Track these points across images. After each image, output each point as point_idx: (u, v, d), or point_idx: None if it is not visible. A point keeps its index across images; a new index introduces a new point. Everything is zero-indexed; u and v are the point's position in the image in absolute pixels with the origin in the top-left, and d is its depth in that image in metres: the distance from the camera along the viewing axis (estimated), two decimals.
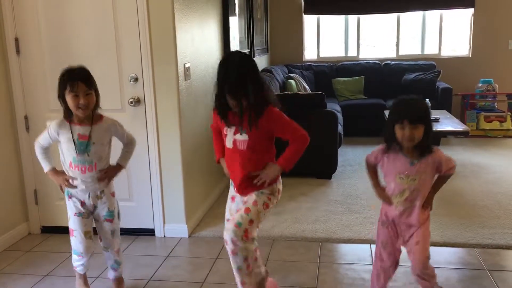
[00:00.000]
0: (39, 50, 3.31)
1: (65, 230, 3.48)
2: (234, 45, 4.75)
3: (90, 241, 2.48)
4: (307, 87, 6.54)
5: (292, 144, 2.25)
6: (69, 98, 2.28)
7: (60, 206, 3.52)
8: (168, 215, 3.42)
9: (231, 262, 2.24)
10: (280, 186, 2.37)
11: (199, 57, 3.72)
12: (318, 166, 4.64)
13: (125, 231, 3.35)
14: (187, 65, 3.40)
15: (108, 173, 2.48)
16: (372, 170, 2.33)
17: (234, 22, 4.84)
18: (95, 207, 2.49)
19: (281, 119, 2.23)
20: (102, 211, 2.50)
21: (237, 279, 2.28)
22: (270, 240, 3.30)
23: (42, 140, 2.42)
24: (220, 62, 2.22)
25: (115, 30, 3.20)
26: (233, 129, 2.22)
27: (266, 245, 3.21)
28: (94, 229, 2.57)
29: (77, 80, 2.26)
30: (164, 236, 3.44)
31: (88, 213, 2.48)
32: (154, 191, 3.39)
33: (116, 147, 2.58)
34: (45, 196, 3.54)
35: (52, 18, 3.25)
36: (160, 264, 3.04)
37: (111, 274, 2.68)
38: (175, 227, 3.42)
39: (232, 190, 2.42)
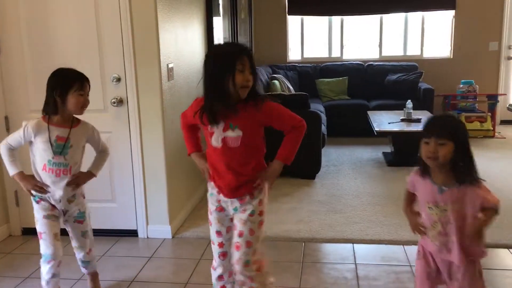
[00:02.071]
0: (19, 50, 3.27)
1: None
2: None
3: (58, 243, 2.39)
4: (291, 87, 6.57)
5: (290, 133, 2.07)
6: (73, 97, 2.29)
7: None
8: (151, 216, 3.41)
9: None
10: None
11: (183, 58, 3.71)
12: (302, 167, 4.65)
13: (108, 232, 3.33)
14: (170, 66, 3.39)
15: (79, 179, 2.42)
16: (408, 195, 2.04)
17: (218, 23, 4.84)
18: (66, 210, 2.45)
19: (279, 109, 2.06)
20: (73, 213, 2.47)
21: None
22: None
23: (12, 141, 2.35)
24: (218, 47, 2.10)
25: (97, 30, 3.17)
26: (221, 126, 1.99)
27: None
28: (63, 231, 2.51)
29: (85, 81, 2.34)
30: (147, 237, 3.42)
31: (56, 216, 2.42)
32: (137, 192, 3.37)
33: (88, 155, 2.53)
34: (26, 198, 3.47)
35: (33, 18, 3.22)
36: (143, 265, 3.02)
37: (83, 270, 2.67)
38: (158, 228, 3.41)
39: (213, 199, 2.15)
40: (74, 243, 2.57)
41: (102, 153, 2.55)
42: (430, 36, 7.22)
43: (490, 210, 1.84)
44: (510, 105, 3.55)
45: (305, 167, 4.69)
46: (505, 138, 6.31)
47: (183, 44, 3.74)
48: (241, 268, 2.08)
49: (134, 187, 3.36)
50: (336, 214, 3.73)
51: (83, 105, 2.33)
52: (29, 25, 3.23)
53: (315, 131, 4.63)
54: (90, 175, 2.50)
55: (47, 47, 3.24)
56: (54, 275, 2.39)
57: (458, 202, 1.82)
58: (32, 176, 2.37)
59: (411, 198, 2.02)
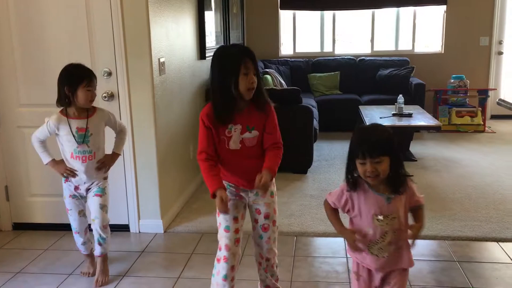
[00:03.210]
0: (9, 44, 3.24)
1: (37, 227, 3.47)
2: (210, 41, 4.74)
3: (83, 219, 2.75)
4: (283, 82, 6.56)
5: (274, 150, 2.16)
6: (83, 92, 2.50)
7: (31, 203, 3.47)
8: (143, 211, 3.41)
9: (269, 276, 2.39)
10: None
11: (174, 52, 3.70)
12: (294, 161, 4.67)
13: None
14: (161, 60, 3.37)
15: (105, 162, 2.70)
16: (333, 212, 1.95)
17: (210, 17, 4.82)
18: (88, 189, 2.69)
19: (275, 120, 2.19)
20: (94, 188, 2.69)
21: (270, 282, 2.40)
22: (246, 235, 3.30)
23: (39, 134, 2.60)
24: (221, 51, 2.08)
25: (88, 24, 3.15)
26: (238, 129, 2.10)
27: (242, 239, 3.21)
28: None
29: (93, 76, 2.56)
30: (139, 232, 3.42)
31: (80, 196, 2.71)
32: (129, 187, 3.36)
33: (107, 138, 2.75)
34: (17, 193, 3.48)
35: (23, 11, 3.19)
36: (135, 259, 3.02)
37: (97, 251, 2.74)
38: (150, 223, 3.41)
39: (232, 190, 2.21)
40: (92, 215, 2.71)
41: (120, 133, 2.78)
42: (421, 31, 7.24)
43: (421, 209, 1.89)
44: (500, 99, 3.58)
45: (297, 162, 4.70)
46: (495, 132, 6.36)
47: (175, 39, 3.72)
48: (272, 245, 2.28)
49: (126, 182, 3.35)
50: None
51: (91, 99, 2.56)
52: (19, 19, 3.20)
53: (307, 126, 4.64)
54: (114, 155, 2.77)
55: (37, 42, 3.21)
56: (84, 242, 2.78)
57: (402, 206, 1.82)
58: (62, 161, 2.64)
59: (336, 213, 1.94)
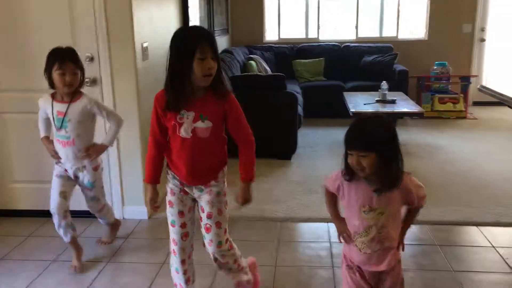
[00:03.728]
0: None
1: (20, 214, 3.44)
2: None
3: (63, 200, 2.63)
4: (267, 68, 6.55)
5: (245, 155, 2.08)
6: (56, 76, 2.44)
7: (14, 189, 3.43)
8: (127, 197, 3.39)
9: (223, 272, 2.27)
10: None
11: (158, 37, 3.66)
12: (278, 147, 4.69)
13: (84, 214, 3.29)
14: (145, 45, 3.34)
15: (90, 152, 2.63)
16: (331, 198, 1.93)
17: (194, 2, 4.77)
18: (76, 176, 2.68)
19: (240, 111, 2.04)
20: (83, 180, 2.69)
21: (233, 279, 2.30)
22: (230, 221, 3.32)
23: (40, 112, 2.64)
24: (178, 33, 1.97)
25: (69, 8, 3.09)
26: (191, 116, 1.95)
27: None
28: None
29: (66, 59, 2.44)
30: (123, 218, 3.41)
31: (68, 177, 2.68)
32: (113, 173, 3.34)
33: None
34: None
35: None
36: (119, 245, 3.02)
37: (101, 221, 2.99)
38: (134, 209, 3.39)
39: (176, 183, 2.11)
40: (86, 204, 2.81)
41: (112, 123, 2.70)
42: (405, 17, 7.26)
43: (415, 211, 1.86)
44: (481, 86, 3.62)
45: (281, 148, 4.71)
46: (477, 119, 6.45)
47: (158, 23, 3.68)
48: (214, 249, 2.13)
49: (109, 168, 3.33)
50: (312, 195, 3.77)
51: (67, 84, 2.46)
52: None
53: (291, 112, 4.65)
54: (102, 146, 2.70)
55: (17, 26, 3.14)
56: (60, 226, 2.65)
57: (393, 203, 1.76)
58: (53, 142, 2.65)
59: (334, 199, 1.92)
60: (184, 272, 2.19)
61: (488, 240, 3.00)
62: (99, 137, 2.77)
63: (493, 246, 2.92)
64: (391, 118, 5.20)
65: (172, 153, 2.06)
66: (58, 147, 2.61)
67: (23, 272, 2.71)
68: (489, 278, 2.60)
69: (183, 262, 2.18)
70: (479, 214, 3.34)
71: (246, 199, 2.17)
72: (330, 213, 1.95)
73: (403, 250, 1.88)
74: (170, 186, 2.13)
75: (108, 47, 3.12)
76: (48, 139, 2.68)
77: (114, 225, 3.04)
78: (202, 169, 2.06)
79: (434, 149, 5.01)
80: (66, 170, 2.67)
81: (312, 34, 7.50)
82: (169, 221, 2.17)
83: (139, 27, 3.22)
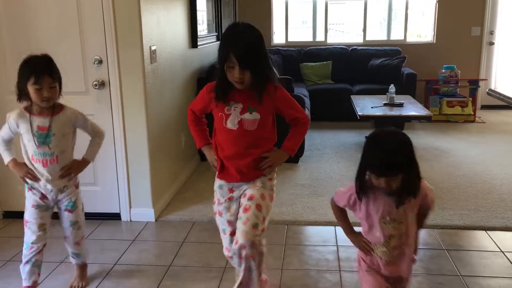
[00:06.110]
0: None
1: None
2: (202, 29, 4.72)
3: (42, 234, 2.36)
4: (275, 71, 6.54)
5: (296, 127, 2.13)
6: (32, 90, 2.16)
7: (22, 191, 3.43)
8: (134, 199, 3.40)
9: (242, 268, 2.01)
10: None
11: (166, 40, 3.68)
12: None
13: (91, 216, 3.32)
14: (153, 48, 3.35)
15: (71, 169, 2.36)
16: (340, 213, 1.91)
17: (202, 5, 4.79)
18: (57, 200, 2.40)
19: (289, 98, 2.09)
20: (64, 201, 2.41)
21: (243, 280, 2.06)
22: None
23: (3, 132, 2.31)
24: (226, 31, 1.98)
25: (78, 11, 3.12)
26: (238, 108, 1.99)
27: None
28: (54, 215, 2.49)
29: (43, 72, 2.15)
30: (131, 220, 3.42)
31: (47, 207, 2.39)
32: (120, 175, 3.35)
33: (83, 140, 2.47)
34: (7, 181, 3.46)
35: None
36: (126, 248, 3.03)
37: (72, 261, 2.62)
38: (141, 211, 3.41)
39: (225, 189, 2.13)
40: (64, 233, 2.50)
41: (95, 137, 2.46)
42: (413, 21, 7.24)
43: (427, 214, 1.86)
44: (490, 90, 3.60)
45: None
46: (485, 122, 6.41)
47: (166, 27, 3.70)
48: (248, 229, 1.95)
49: (117, 170, 3.35)
50: (318, 197, 3.77)
51: (44, 99, 2.18)
52: (7, 8, 3.15)
53: None
54: (84, 162, 2.43)
55: (26, 30, 3.17)
56: (30, 260, 2.37)
57: (412, 210, 1.76)
58: (25, 164, 2.33)
59: (344, 213, 1.90)
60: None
61: (496, 245, 2.98)
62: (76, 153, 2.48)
63: (501, 251, 2.90)
64: (401, 128, 5.18)
65: (218, 146, 2.08)
66: (38, 167, 2.29)
67: None
68: (497, 283, 2.57)
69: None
70: (487, 218, 3.32)
71: (273, 161, 2.08)
72: (343, 228, 1.93)
73: (415, 254, 1.88)
74: (218, 196, 2.17)
75: (116, 50, 3.14)
76: (16, 162, 2.33)
77: (85, 266, 2.64)
78: (248, 163, 2.05)
79: (442, 153, 4.98)
80: (43, 196, 2.36)
81: (320, 37, 7.50)
82: (220, 229, 2.22)
83: (147, 31, 3.24)
